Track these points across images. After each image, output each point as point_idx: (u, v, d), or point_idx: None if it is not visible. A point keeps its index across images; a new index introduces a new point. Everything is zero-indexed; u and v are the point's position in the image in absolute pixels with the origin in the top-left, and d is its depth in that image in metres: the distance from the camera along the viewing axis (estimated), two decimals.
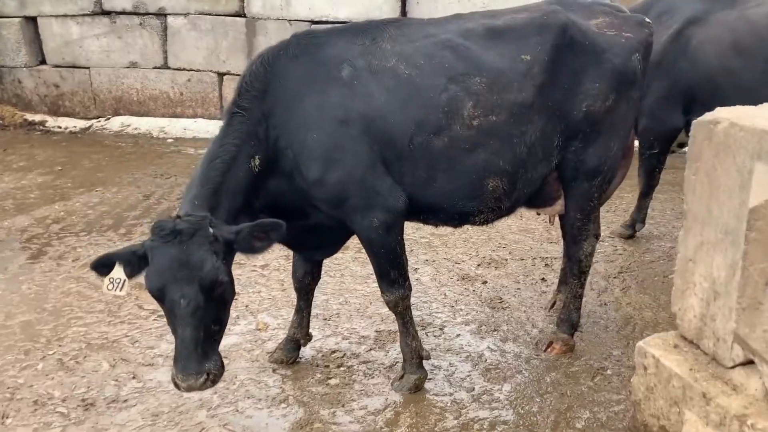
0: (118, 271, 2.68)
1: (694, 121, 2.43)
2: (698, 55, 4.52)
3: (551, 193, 3.46)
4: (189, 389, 2.60)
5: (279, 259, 5.02)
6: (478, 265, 4.92)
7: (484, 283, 4.64)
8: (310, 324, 3.81)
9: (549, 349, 3.74)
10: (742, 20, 4.43)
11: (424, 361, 3.45)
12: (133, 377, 3.54)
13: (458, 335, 3.96)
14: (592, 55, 3.23)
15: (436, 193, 3.15)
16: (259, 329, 4.04)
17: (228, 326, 3.84)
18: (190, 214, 2.69)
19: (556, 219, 3.87)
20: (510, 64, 3.13)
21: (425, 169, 3.09)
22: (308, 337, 3.73)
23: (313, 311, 4.17)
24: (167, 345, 3.83)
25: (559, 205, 3.53)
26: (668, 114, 4.67)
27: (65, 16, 9.45)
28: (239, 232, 2.70)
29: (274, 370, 3.61)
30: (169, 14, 9.12)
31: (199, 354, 2.57)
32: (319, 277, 3.70)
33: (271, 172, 3.03)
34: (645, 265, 4.89)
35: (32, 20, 9.71)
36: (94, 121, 9.58)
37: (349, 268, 4.86)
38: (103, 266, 2.69)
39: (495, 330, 4.02)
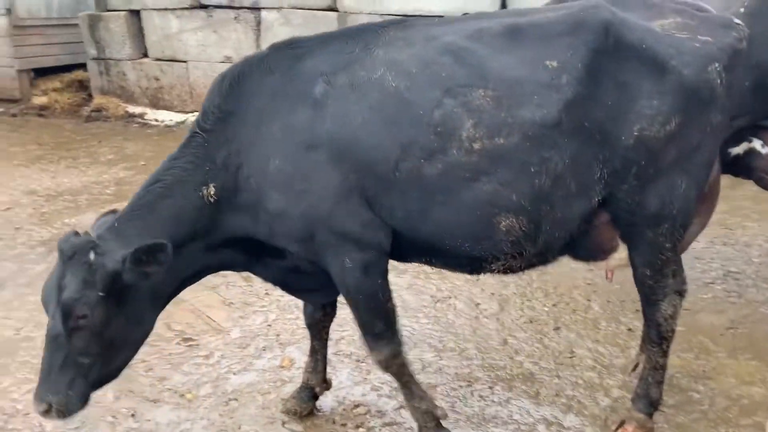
0: None
1: None
2: None
3: (602, 243, 2.70)
4: (37, 412, 2.39)
5: None
6: (553, 305, 4.18)
7: (556, 329, 3.91)
8: (337, 366, 3.29)
9: (620, 431, 2.97)
10: None
11: (443, 421, 2.83)
12: (132, 415, 3.18)
13: (509, 399, 3.28)
14: (648, 63, 2.46)
15: (433, 231, 2.57)
16: (283, 366, 3.57)
17: (251, 359, 3.53)
18: (83, 235, 2.44)
19: (617, 274, 3.06)
20: (529, 72, 2.45)
21: (418, 201, 2.51)
22: (325, 385, 3.19)
23: (347, 349, 3.69)
24: (181, 376, 3.49)
25: (615, 260, 2.75)
26: None
27: (165, 9, 9.53)
28: (124, 260, 2.33)
29: (283, 423, 3.11)
30: (263, 8, 8.94)
31: (50, 382, 2.35)
32: (334, 313, 3.14)
33: (231, 205, 2.58)
34: (766, 320, 3.95)
35: (136, 14, 9.90)
36: (189, 115, 9.60)
37: (400, 297, 4.30)
38: None
39: (557, 395, 3.30)
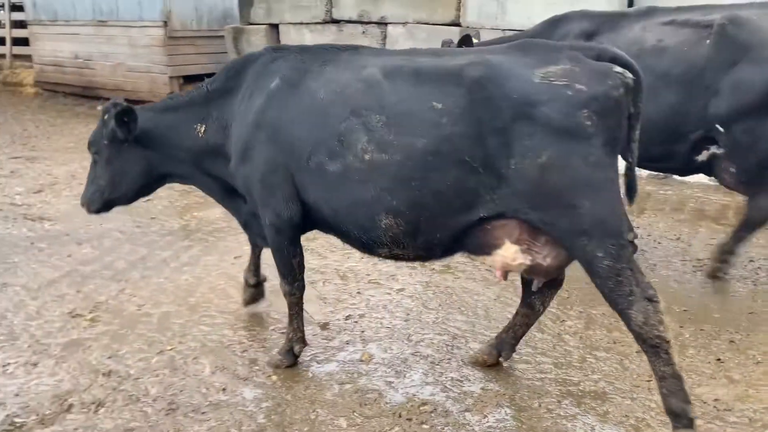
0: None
1: None
2: None
3: (490, 241, 3.07)
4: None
5: (416, 285, 4.73)
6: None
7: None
8: (413, 366, 3.51)
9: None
10: (612, 43, 4.42)
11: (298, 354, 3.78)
12: (223, 389, 3.53)
13: (576, 414, 3.28)
14: (520, 109, 2.83)
15: (333, 214, 3.30)
16: (362, 360, 3.79)
17: (334, 351, 3.79)
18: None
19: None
20: (418, 109, 3.01)
21: (321, 188, 3.26)
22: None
23: (425, 351, 3.86)
24: (271, 358, 3.79)
25: (499, 257, 3.09)
26: None
27: (301, 23, 10.16)
28: (112, 116, 3.65)
29: (353, 411, 3.33)
30: (390, 23, 9.29)
31: (87, 190, 3.91)
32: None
33: (212, 146, 3.66)
34: None
35: (275, 27, 10.62)
36: None
37: (486, 308, 4.39)
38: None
39: (626, 416, 3.26)
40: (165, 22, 11.31)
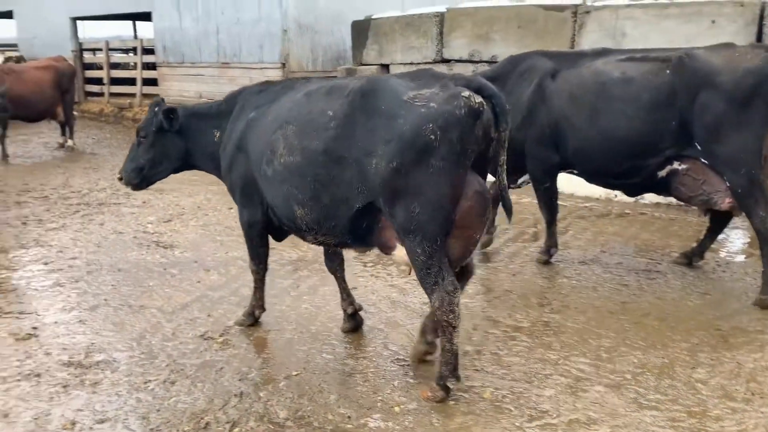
0: None
1: None
2: (551, 103, 5.47)
3: (384, 240, 3.81)
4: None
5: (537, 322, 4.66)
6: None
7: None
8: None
9: (423, 395, 3.78)
10: (576, 76, 5.41)
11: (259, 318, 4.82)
12: (348, 417, 3.61)
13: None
14: (385, 119, 3.49)
15: (276, 209, 4.17)
16: (484, 398, 3.77)
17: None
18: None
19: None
20: (317, 117, 3.76)
21: (268, 189, 4.12)
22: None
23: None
24: (391, 391, 3.85)
25: (399, 256, 3.78)
26: (546, 153, 5.57)
27: (411, 63, 10.42)
28: (162, 111, 4.65)
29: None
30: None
31: (126, 166, 4.82)
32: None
33: (222, 152, 4.58)
34: None
35: (386, 68, 10.95)
36: None
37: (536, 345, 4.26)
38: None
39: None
40: (283, 64, 11.95)
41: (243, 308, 5.07)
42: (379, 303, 4.69)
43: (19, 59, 18.60)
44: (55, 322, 4.87)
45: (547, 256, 5.95)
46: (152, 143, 4.73)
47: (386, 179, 3.47)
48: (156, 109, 4.69)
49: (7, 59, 18.62)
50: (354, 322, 4.61)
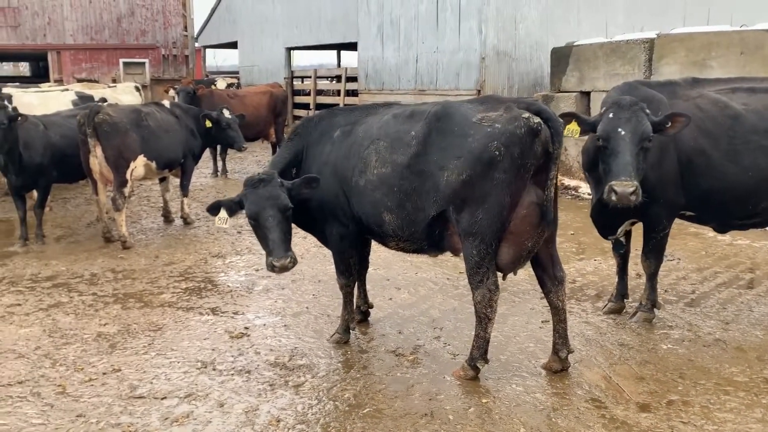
0: (223, 213, 4.43)
1: None
2: (680, 138, 4.73)
3: (454, 245, 4.25)
4: (282, 268, 4.21)
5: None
6: None
7: None
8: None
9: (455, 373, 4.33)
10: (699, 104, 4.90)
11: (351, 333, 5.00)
12: None
13: None
14: (457, 138, 4.02)
15: (366, 218, 4.47)
16: None
17: None
18: (266, 173, 4.43)
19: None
20: (403, 136, 4.25)
21: (358, 199, 4.44)
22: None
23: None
24: (584, 429, 3.66)
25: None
26: (674, 194, 4.88)
27: None
28: (293, 184, 4.40)
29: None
30: None
31: (284, 246, 4.25)
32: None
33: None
34: None
35: (586, 95, 10.62)
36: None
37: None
38: (213, 209, 4.46)
39: None
40: (478, 91, 12.07)
41: (433, 329, 5.16)
42: (572, 339, 4.50)
43: (231, 85, 20.83)
44: (264, 325, 5.30)
45: (653, 315, 5.26)
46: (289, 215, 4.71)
47: (456, 189, 3.98)
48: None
49: (229, 85, 20.91)
50: (363, 316, 5.35)
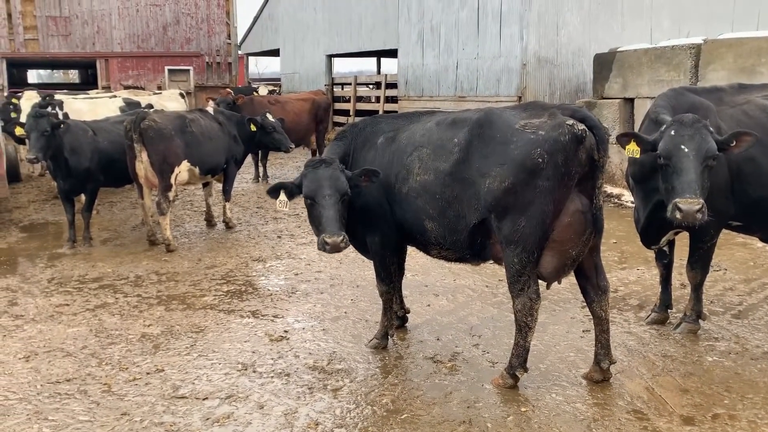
0: (282, 195, 4.49)
1: None
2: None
3: (496, 254, 4.23)
4: (334, 245, 4.13)
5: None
6: None
7: None
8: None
9: (494, 381, 4.31)
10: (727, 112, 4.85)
11: (390, 338, 4.99)
12: None
13: None
14: (499, 145, 3.97)
15: (408, 225, 4.48)
16: None
17: None
18: (328, 157, 4.52)
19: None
20: (446, 143, 4.23)
21: (400, 206, 4.45)
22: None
23: None
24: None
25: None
26: (726, 204, 4.73)
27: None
28: (353, 174, 4.42)
29: None
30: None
31: (337, 226, 4.19)
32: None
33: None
34: None
35: (629, 102, 10.46)
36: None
37: None
38: (274, 191, 4.52)
39: None
40: (519, 97, 11.99)
41: (472, 336, 5.13)
42: (614, 350, 4.42)
43: (272, 92, 21.16)
44: (303, 328, 5.35)
45: (698, 326, 5.16)
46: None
47: (498, 197, 3.93)
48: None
49: (271, 92, 21.23)
50: (401, 321, 5.36)
